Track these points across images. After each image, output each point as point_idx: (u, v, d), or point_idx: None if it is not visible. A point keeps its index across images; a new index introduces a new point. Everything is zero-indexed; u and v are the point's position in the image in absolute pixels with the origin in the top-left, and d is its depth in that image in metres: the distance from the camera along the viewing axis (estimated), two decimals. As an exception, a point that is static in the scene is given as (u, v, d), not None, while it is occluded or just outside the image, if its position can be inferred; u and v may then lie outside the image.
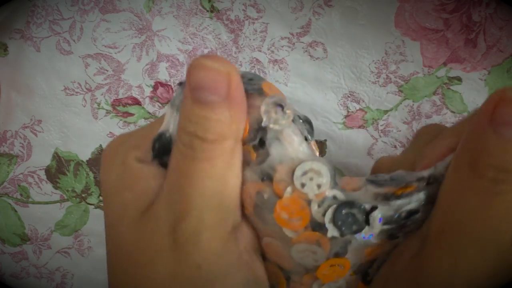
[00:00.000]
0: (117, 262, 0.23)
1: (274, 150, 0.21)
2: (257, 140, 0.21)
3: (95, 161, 0.35)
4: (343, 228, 0.20)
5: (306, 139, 0.21)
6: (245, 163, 0.21)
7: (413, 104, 0.33)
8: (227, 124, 0.19)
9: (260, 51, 0.33)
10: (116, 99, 0.34)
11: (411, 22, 0.32)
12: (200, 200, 0.20)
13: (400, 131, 0.33)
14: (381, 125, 0.33)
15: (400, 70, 0.33)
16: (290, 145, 0.21)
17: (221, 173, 0.20)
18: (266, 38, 0.33)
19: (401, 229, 0.20)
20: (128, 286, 0.23)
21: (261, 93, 0.21)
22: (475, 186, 0.19)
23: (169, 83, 0.34)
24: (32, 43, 0.34)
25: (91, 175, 0.35)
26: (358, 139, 0.33)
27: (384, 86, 0.33)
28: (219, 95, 0.19)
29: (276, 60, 0.33)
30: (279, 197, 0.20)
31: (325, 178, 0.20)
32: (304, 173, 0.20)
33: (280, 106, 0.21)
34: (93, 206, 0.35)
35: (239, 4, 0.33)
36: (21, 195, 0.35)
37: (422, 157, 0.23)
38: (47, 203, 0.35)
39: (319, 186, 0.20)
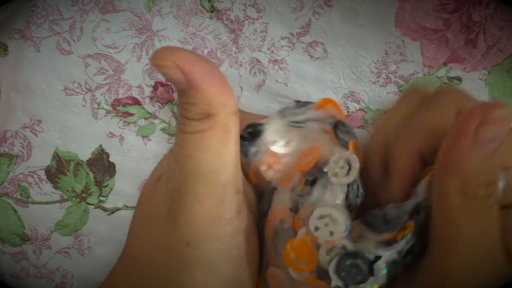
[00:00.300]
0: (134, 216, 0.26)
1: (316, 193, 0.21)
2: (312, 177, 0.22)
3: (95, 161, 0.35)
4: (347, 279, 0.20)
5: (349, 205, 0.21)
6: (291, 188, 0.22)
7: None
8: (205, 103, 0.21)
9: (260, 51, 0.33)
10: (116, 99, 0.34)
11: (411, 22, 0.32)
12: (193, 171, 0.21)
13: (400, 131, 0.33)
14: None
15: (400, 70, 0.33)
16: (332, 198, 0.21)
17: (215, 148, 0.21)
18: (266, 38, 0.33)
19: (403, 267, 0.21)
20: (132, 241, 0.25)
21: (344, 146, 0.23)
22: (470, 210, 0.19)
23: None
24: (32, 43, 0.34)
25: (91, 175, 0.35)
26: (358, 139, 0.33)
27: (384, 86, 0.33)
28: (181, 84, 0.21)
29: (276, 60, 0.33)
30: (295, 233, 0.21)
31: (340, 228, 0.20)
32: (321, 217, 0.21)
33: (349, 166, 0.21)
34: (93, 206, 0.35)
35: (239, 4, 0.33)
36: (21, 195, 0.35)
37: (393, 161, 0.23)
38: (47, 203, 0.35)
39: (331, 234, 0.20)
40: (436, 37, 0.32)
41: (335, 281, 0.20)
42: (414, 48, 0.32)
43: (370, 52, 0.33)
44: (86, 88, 0.34)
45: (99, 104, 0.34)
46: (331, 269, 0.20)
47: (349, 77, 0.33)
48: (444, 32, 0.32)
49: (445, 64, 0.32)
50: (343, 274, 0.20)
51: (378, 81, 0.33)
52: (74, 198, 0.35)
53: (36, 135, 0.35)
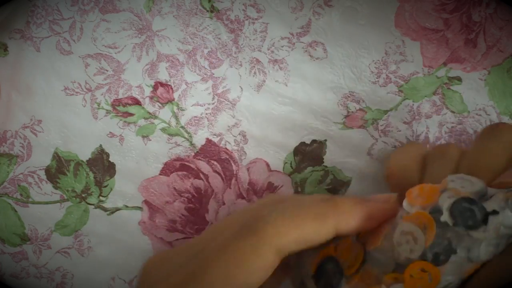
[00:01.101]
0: None
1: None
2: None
3: (95, 161, 0.35)
4: (457, 218, 0.20)
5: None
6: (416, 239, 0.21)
7: (413, 104, 0.33)
8: None
9: (260, 51, 0.33)
10: (116, 99, 0.34)
11: (411, 22, 0.32)
12: None
13: (400, 131, 0.33)
14: (381, 125, 0.33)
15: (400, 70, 0.33)
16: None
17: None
18: (266, 38, 0.33)
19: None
20: None
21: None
22: None
23: (169, 83, 0.34)
24: (32, 43, 0.34)
25: (91, 175, 0.35)
26: (358, 139, 0.33)
27: (384, 86, 0.33)
28: None
29: (276, 60, 0.33)
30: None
31: (474, 186, 0.21)
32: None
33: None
34: (93, 206, 0.35)
35: (239, 4, 0.33)
36: (21, 195, 0.35)
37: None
38: (47, 203, 0.35)
39: (462, 187, 0.21)
40: (436, 37, 0.32)
41: (445, 217, 0.20)
42: (414, 48, 0.32)
43: (370, 52, 0.33)
44: (86, 88, 0.34)
45: (99, 104, 0.34)
46: (445, 206, 0.20)
47: (349, 77, 0.33)
48: (444, 32, 0.32)
49: (445, 64, 0.32)
50: (455, 212, 0.20)
51: (378, 81, 0.33)
52: (74, 198, 0.35)
53: (36, 135, 0.35)
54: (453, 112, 0.33)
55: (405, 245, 0.20)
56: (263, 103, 0.34)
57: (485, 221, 0.20)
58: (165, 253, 0.25)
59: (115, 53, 0.34)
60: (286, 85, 0.33)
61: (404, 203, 0.21)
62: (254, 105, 0.34)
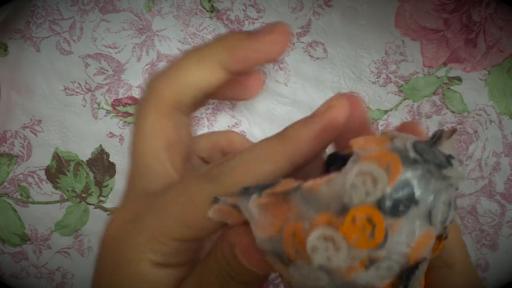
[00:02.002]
0: None
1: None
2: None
3: (95, 161, 0.35)
4: (424, 154, 0.16)
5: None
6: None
7: (413, 104, 0.33)
8: None
9: (260, 51, 0.33)
10: (116, 99, 0.34)
11: (411, 22, 0.32)
12: None
13: (400, 131, 0.33)
14: (381, 125, 0.33)
15: (400, 70, 0.33)
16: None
17: None
18: (266, 38, 0.33)
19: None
20: None
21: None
22: None
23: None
24: (32, 43, 0.34)
25: (91, 175, 0.35)
26: (358, 139, 0.33)
27: (384, 86, 0.33)
28: None
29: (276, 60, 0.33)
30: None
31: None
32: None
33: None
34: (93, 206, 0.35)
35: (239, 4, 0.33)
36: (21, 195, 0.35)
37: None
38: (47, 203, 0.35)
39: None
40: (436, 37, 0.32)
41: (412, 152, 0.16)
42: (414, 48, 0.32)
43: (370, 52, 0.33)
44: (86, 88, 0.34)
45: (99, 104, 0.34)
46: (408, 145, 0.17)
47: (349, 77, 0.33)
48: (444, 32, 0.32)
49: (445, 64, 0.32)
50: (420, 151, 0.17)
51: (378, 81, 0.33)
52: (74, 198, 0.35)
53: (36, 135, 0.35)
54: (453, 112, 0.33)
55: (361, 187, 0.16)
56: (263, 103, 0.34)
57: (449, 162, 0.17)
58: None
59: (115, 53, 0.34)
60: (286, 85, 0.33)
61: (356, 150, 0.17)
62: (254, 105, 0.34)
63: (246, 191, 0.18)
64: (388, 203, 0.16)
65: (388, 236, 0.16)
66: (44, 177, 0.35)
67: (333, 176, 0.17)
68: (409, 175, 0.16)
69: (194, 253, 0.21)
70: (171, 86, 0.21)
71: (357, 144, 0.17)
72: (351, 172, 0.16)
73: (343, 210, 0.16)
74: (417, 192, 0.16)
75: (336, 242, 0.16)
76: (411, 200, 0.16)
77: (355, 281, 0.16)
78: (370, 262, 0.16)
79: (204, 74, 0.21)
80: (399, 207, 0.16)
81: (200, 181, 0.20)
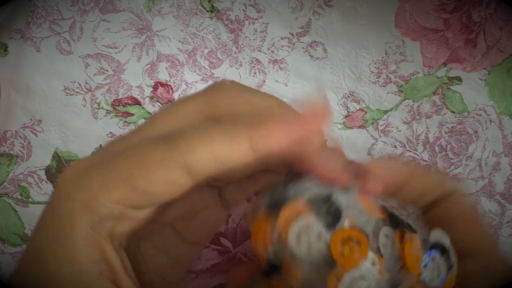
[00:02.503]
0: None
1: None
2: None
3: (95, 161, 0.35)
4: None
5: None
6: None
7: (413, 104, 0.33)
8: None
9: (260, 51, 0.33)
10: (116, 99, 0.34)
11: (411, 22, 0.32)
12: None
13: (400, 131, 0.33)
14: (381, 125, 0.33)
15: (400, 70, 0.33)
16: None
17: None
18: (266, 38, 0.33)
19: None
20: None
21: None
22: None
23: (169, 83, 0.34)
24: (32, 43, 0.34)
25: (91, 175, 0.35)
26: (358, 139, 0.33)
27: (384, 86, 0.33)
28: None
29: (276, 60, 0.33)
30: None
31: None
32: None
33: None
34: (93, 206, 0.35)
35: (239, 4, 0.33)
36: (21, 195, 0.35)
37: None
38: (47, 203, 0.35)
39: None
40: (436, 37, 0.32)
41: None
42: (414, 48, 0.32)
43: (370, 52, 0.33)
44: (86, 88, 0.34)
45: (99, 104, 0.34)
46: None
47: (349, 77, 0.33)
48: (444, 32, 0.32)
49: (445, 64, 0.32)
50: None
51: (378, 81, 0.33)
52: (74, 198, 0.35)
53: (36, 135, 0.35)
54: (453, 112, 0.33)
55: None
56: (263, 103, 0.34)
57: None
58: (86, 159, 0.22)
59: (115, 53, 0.34)
60: (286, 85, 0.33)
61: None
62: (254, 105, 0.34)
63: None
64: None
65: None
66: (44, 177, 0.35)
67: None
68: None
69: (132, 227, 0.21)
70: (193, 153, 0.21)
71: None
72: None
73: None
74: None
75: None
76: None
77: None
78: None
79: (233, 153, 0.20)
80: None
81: (156, 143, 0.20)
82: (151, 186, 0.19)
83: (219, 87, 0.23)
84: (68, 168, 0.21)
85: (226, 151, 0.20)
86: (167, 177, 0.20)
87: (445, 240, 0.21)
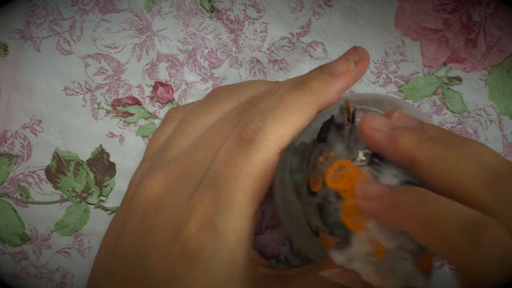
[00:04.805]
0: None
1: None
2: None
3: (95, 161, 0.35)
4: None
5: None
6: None
7: (413, 104, 0.33)
8: None
9: (260, 51, 0.33)
10: (116, 99, 0.34)
11: (411, 22, 0.32)
12: None
13: (400, 131, 0.33)
14: (381, 125, 0.33)
15: (400, 70, 0.33)
16: None
17: None
18: (266, 38, 0.33)
19: None
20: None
21: None
22: None
23: (169, 83, 0.34)
24: (32, 43, 0.34)
25: (91, 175, 0.35)
26: (358, 139, 0.33)
27: (384, 86, 0.33)
28: None
29: (276, 60, 0.33)
30: None
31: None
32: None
33: None
34: (93, 206, 0.35)
35: (239, 4, 0.33)
36: (21, 195, 0.35)
37: None
38: (47, 203, 0.35)
39: None
40: (436, 37, 0.32)
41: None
42: (414, 48, 0.32)
43: (370, 52, 0.33)
44: (86, 88, 0.35)
45: (99, 104, 0.34)
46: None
47: (349, 77, 0.33)
48: (444, 32, 0.32)
49: (445, 64, 0.32)
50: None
51: (378, 81, 0.33)
52: (74, 198, 0.35)
53: (36, 135, 0.35)
54: (453, 112, 0.33)
55: None
56: (263, 103, 0.34)
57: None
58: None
59: (115, 53, 0.34)
60: (286, 85, 0.33)
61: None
62: (254, 105, 0.34)
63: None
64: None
65: None
66: (44, 177, 0.35)
67: None
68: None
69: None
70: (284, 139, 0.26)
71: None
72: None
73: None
74: None
75: None
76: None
77: None
78: None
79: (307, 120, 0.27)
80: None
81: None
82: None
83: None
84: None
85: (305, 122, 0.26)
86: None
87: None
